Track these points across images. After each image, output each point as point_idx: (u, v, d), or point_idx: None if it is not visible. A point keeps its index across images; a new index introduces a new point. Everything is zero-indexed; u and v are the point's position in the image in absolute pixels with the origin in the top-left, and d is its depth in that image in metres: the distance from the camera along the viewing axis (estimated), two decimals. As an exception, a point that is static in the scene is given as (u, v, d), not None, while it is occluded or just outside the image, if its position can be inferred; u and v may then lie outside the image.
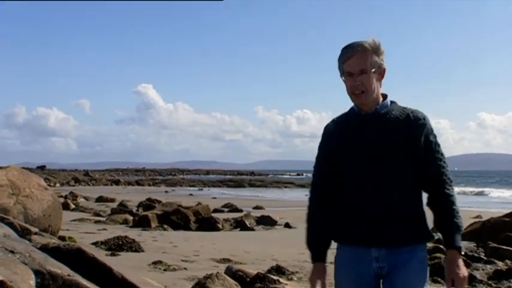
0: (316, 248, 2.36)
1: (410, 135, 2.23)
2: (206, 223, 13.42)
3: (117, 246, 8.52)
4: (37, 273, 3.23)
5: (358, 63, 2.22)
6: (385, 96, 2.33)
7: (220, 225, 13.41)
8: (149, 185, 50.55)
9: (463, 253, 2.20)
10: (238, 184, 50.94)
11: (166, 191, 37.04)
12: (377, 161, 2.21)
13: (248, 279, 5.59)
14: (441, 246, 8.21)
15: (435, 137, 2.29)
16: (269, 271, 6.37)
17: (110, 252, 7.99)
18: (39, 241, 5.29)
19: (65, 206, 15.51)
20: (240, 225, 13.70)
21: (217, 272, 5.08)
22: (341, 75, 2.30)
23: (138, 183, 52.36)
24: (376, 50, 2.26)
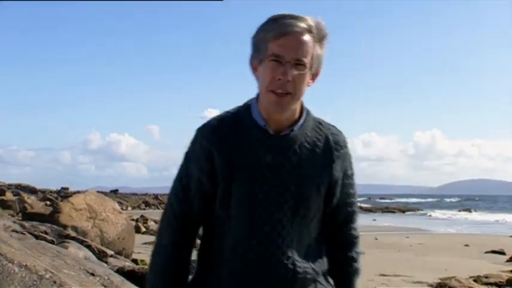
0: None
1: (329, 168, 1.55)
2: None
3: (186, 269, 8.68)
4: (115, 295, 3.36)
5: (298, 47, 1.45)
6: (301, 103, 1.57)
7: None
8: (216, 208, 51.08)
9: None
10: (304, 209, 50.29)
11: (232, 215, 37.30)
12: (283, 206, 1.50)
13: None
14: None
15: (352, 166, 1.65)
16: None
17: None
18: (114, 263, 5.50)
19: (136, 229, 15.96)
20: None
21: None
22: (258, 56, 1.50)
23: (205, 207, 53.08)
24: (322, 38, 1.51)
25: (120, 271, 4.38)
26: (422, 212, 47.91)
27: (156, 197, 72.74)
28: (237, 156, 1.51)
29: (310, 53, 1.47)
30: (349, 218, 1.68)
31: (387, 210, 49.45)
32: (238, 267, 1.52)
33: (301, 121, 1.55)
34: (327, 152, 1.56)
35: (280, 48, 1.45)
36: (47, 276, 2.71)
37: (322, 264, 1.62)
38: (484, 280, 7.78)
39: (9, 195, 24.46)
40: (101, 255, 5.75)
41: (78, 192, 9.18)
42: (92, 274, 3.44)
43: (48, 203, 27.42)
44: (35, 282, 2.63)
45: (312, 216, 1.56)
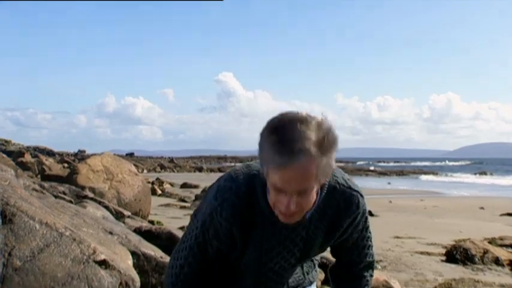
0: None
1: (336, 232, 1.65)
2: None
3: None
4: (133, 254, 3.42)
5: (298, 180, 1.36)
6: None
7: (301, 213, 13.42)
8: (231, 172, 51.55)
9: None
10: (319, 172, 50.29)
11: (247, 178, 37.54)
12: (286, 266, 1.70)
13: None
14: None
15: (366, 219, 1.69)
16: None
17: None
18: (131, 224, 5.59)
19: (152, 192, 16.18)
20: (321, 212, 13.61)
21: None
22: (262, 169, 1.42)
23: (220, 170, 53.70)
24: (327, 148, 1.36)
25: (137, 231, 4.44)
26: (437, 175, 47.81)
27: (171, 160, 73.64)
28: (252, 232, 1.59)
29: (314, 176, 1.37)
30: (358, 262, 1.79)
31: (402, 173, 49.41)
32: None
33: (315, 205, 1.54)
34: (336, 219, 1.61)
35: (280, 182, 1.37)
36: (67, 233, 2.77)
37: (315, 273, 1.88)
38: (499, 242, 7.79)
39: (28, 157, 24.85)
40: (118, 216, 5.83)
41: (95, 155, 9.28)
42: (110, 233, 3.50)
43: (65, 165, 27.85)
44: (55, 239, 2.69)
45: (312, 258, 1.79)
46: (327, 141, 1.35)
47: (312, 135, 1.33)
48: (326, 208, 1.58)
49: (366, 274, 1.81)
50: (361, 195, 1.65)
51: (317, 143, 1.33)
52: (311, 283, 1.88)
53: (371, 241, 1.78)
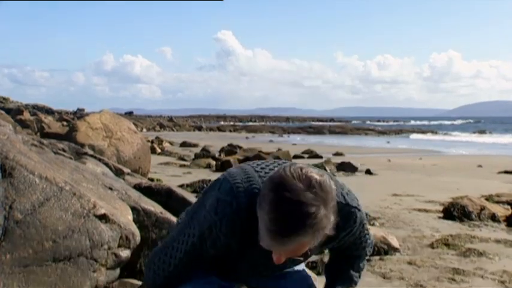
0: None
1: (332, 243, 1.70)
2: (286, 168, 13.58)
3: (201, 188, 8.88)
4: (133, 209, 3.44)
5: (292, 251, 1.44)
6: None
7: (300, 171, 13.50)
8: (230, 131, 51.82)
9: None
10: (318, 131, 50.78)
11: (246, 137, 37.73)
12: (280, 269, 1.80)
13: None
14: None
15: (363, 226, 1.75)
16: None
17: (195, 194, 8.37)
18: (131, 181, 5.60)
19: (152, 150, 16.21)
20: (320, 171, 13.71)
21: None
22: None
23: (219, 129, 53.88)
24: (325, 226, 1.42)
25: (137, 187, 4.45)
26: (436, 134, 47.92)
27: (170, 119, 73.78)
28: (250, 248, 1.60)
29: (307, 246, 1.43)
30: (357, 253, 1.89)
31: (401, 132, 49.52)
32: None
33: None
34: (333, 232, 1.58)
35: (274, 249, 1.43)
36: (67, 188, 2.78)
37: None
38: (496, 199, 7.87)
39: (27, 115, 24.80)
40: (118, 173, 5.84)
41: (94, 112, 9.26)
42: (110, 188, 3.52)
43: (64, 123, 27.84)
44: (55, 193, 2.70)
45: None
46: (326, 219, 1.38)
47: (311, 218, 1.35)
48: None
49: (366, 250, 1.90)
50: (359, 210, 1.68)
51: (315, 224, 1.36)
52: None
53: (368, 234, 1.83)
